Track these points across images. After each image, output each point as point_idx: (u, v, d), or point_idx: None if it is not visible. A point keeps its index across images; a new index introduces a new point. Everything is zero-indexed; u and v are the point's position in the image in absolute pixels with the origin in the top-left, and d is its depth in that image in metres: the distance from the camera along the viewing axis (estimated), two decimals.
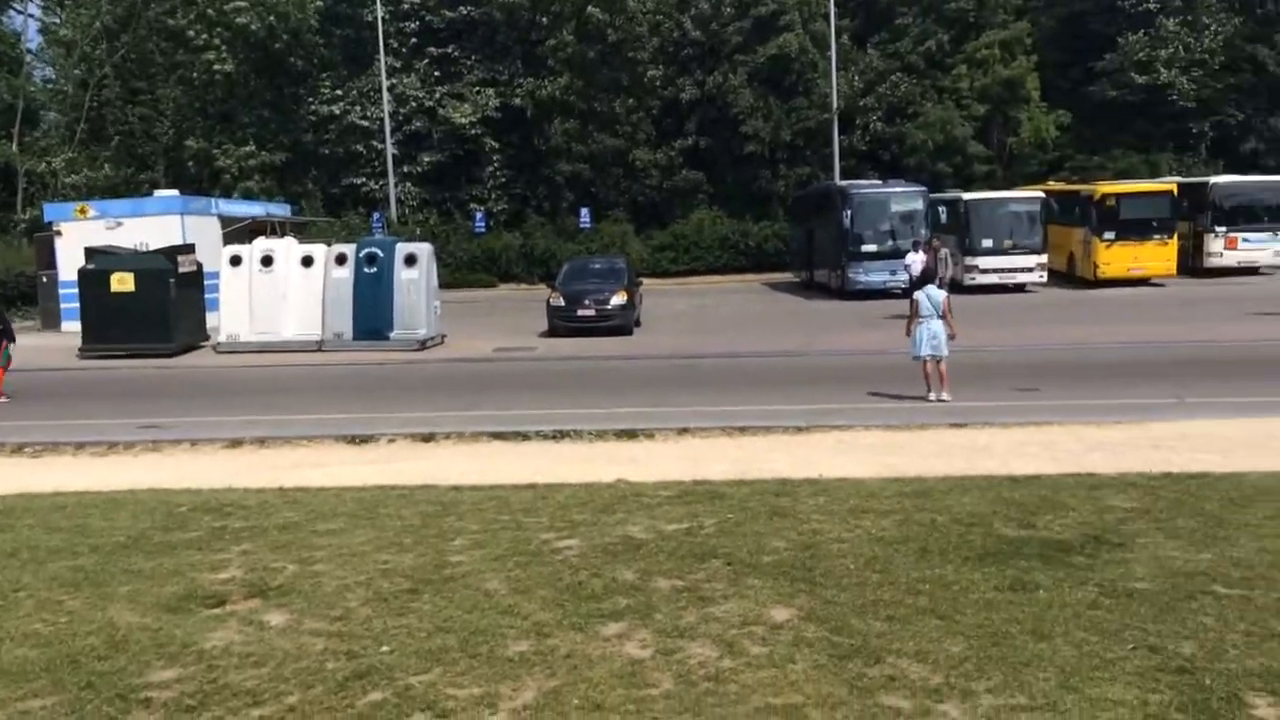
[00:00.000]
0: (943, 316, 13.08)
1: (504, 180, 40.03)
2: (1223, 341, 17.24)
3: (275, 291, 20.46)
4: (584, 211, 38.82)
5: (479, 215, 38.55)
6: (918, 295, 13.42)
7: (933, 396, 12.98)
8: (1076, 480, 8.49)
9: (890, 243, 28.27)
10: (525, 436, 11.36)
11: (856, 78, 40.05)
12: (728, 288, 35.03)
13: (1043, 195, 30.91)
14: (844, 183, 32.77)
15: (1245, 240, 30.52)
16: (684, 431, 11.31)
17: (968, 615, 5.53)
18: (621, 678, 4.96)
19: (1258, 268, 30.63)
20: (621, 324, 22.16)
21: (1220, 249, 30.64)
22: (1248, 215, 30.76)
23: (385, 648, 5.39)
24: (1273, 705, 4.37)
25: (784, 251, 37.82)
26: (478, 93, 38.52)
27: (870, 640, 5.26)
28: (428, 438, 11.45)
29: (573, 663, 5.16)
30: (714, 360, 18.28)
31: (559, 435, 11.29)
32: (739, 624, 5.58)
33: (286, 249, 21.09)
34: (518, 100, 38.86)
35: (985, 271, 29.10)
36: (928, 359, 13.08)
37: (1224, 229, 30.55)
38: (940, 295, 13.30)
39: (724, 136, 40.03)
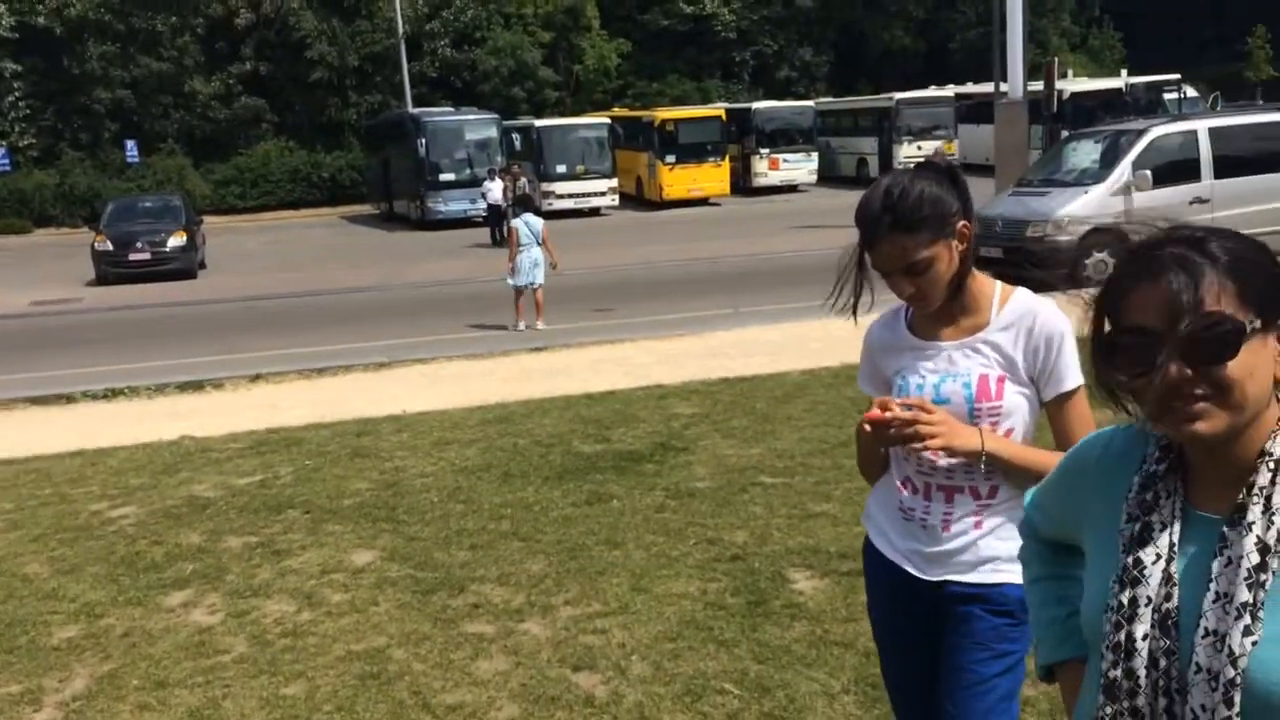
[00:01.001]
0: (542, 244, 13.21)
1: (28, 111, 35.30)
2: (769, 254, 19.05)
3: None
4: (130, 144, 35.24)
5: (1, 151, 33.80)
6: (515, 223, 13.42)
7: (524, 325, 13.16)
8: (646, 392, 8.99)
9: (468, 171, 28.31)
10: (70, 399, 10.17)
11: (422, 2, 39.29)
12: (302, 223, 33.51)
13: (609, 121, 32.27)
14: (417, 110, 32.23)
15: (785, 161, 33.77)
16: (257, 378, 10.66)
17: (548, 534, 5.68)
18: (188, 649, 4.59)
19: (796, 185, 34.10)
20: (183, 267, 20.53)
21: (765, 169, 33.71)
22: (786, 138, 34.03)
23: None
24: (809, 578, 4.88)
25: (360, 183, 36.75)
26: None
27: (454, 571, 5.25)
28: None
29: (131, 641, 4.70)
30: (289, 300, 17.42)
31: (111, 394, 10.22)
32: (318, 574, 5.35)
33: None
34: (41, 20, 34.24)
35: (561, 197, 30.00)
36: (526, 288, 13.17)
37: (767, 151, 33.60)
38: (539, 223, 13.32)
39: (287, 63, 37.84)
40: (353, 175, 37.05)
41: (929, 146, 33.20)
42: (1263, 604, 1.23)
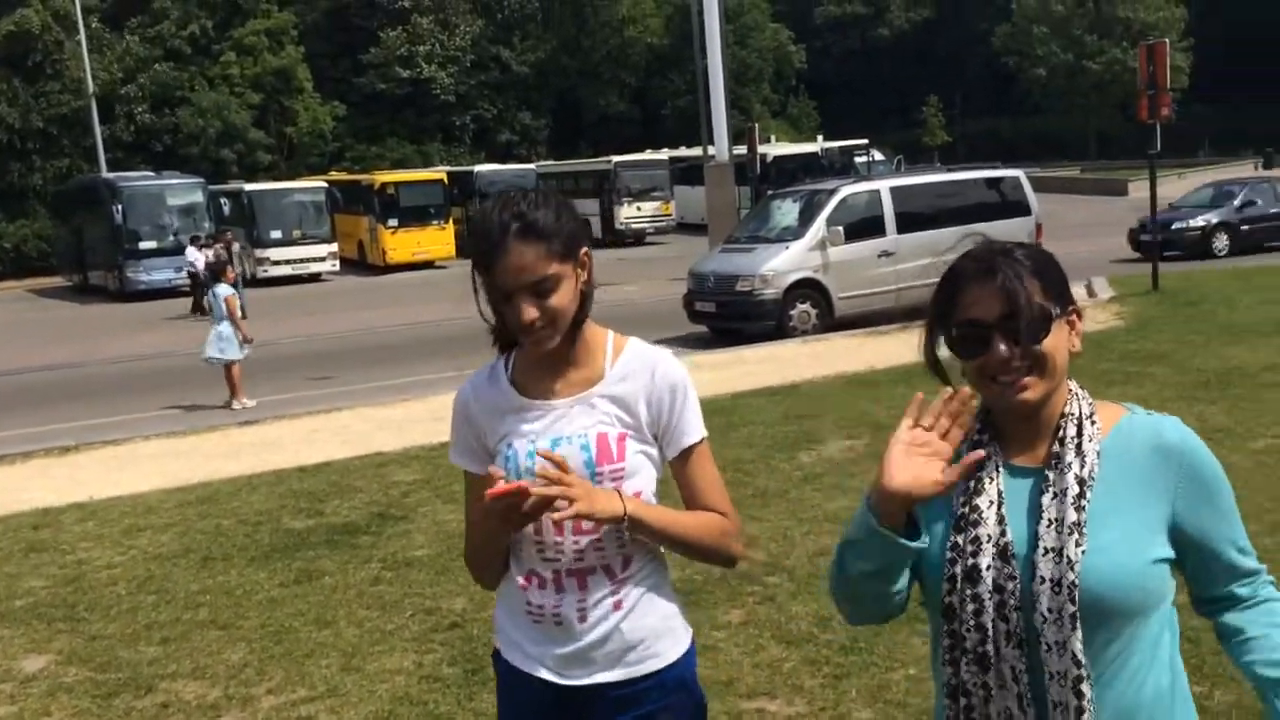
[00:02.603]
0: (229, 317, 12.30)
1: None
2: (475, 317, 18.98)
3: None
4: None
5: None
6: (209, 296, 12.58)
7: (236, 404, 12.26)
8: (365, 461, 8.65)
9: (171, 238, 26.71)
10: None
11: (115, 64, 37.00)
12: None
13: (326, 185, 31.43)
14: (112, 174, 30.16)
15: None
16: None
17: (251, 618, 5.29)
18: None
19: None
20: None
21: None
22: None
23: None
24: None
25: (50, 254, 33.88)
26: None
27: (141, 670, 4.78)
28: None
29: None
30: None
31: None
32: None
33: None
34: None
35: (277, 263, 28.84)
36: (218, 362, 12.28)
37: None
38: (224, 293, 12.47)
39: None
40: (40, 245, 34.12)
41: (648, 207, 34.44)
42: (1085, 523, 1.56)
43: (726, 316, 14.75)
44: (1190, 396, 8.45)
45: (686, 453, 2.07)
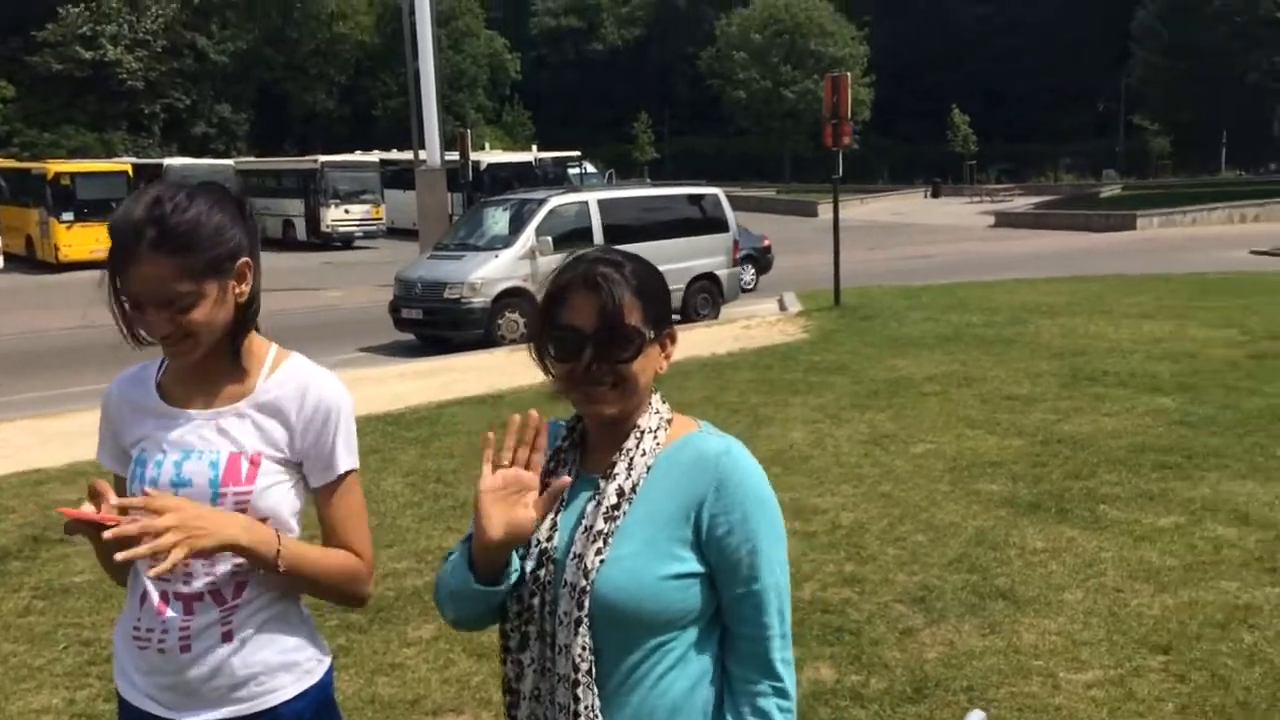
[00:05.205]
0: None
1: None
2: None
3: None
4: None
5: None
6: None
7: None
8: (22, 478, 7.83)
9: None
10: None
11: None
12: None
13: None
14: None
15: None
16: None
17: None
18: None
19: None
20: None
21: None
22: None
23: None
24: None
25: None
26: None
27: None
28: None
29: None
30: None
31: None
32: None
33: None
34: None
35: None
36: None
37: None
38: None
39: None
40: None
41: (357, 210, 33.44)
42: (614, 533, 1.60)
43: (434, 324, 14.54)
44: (863, 405, 9.13)
45: (333, 484, 1.93)
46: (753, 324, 14.81)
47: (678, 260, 15.82)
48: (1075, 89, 58.26)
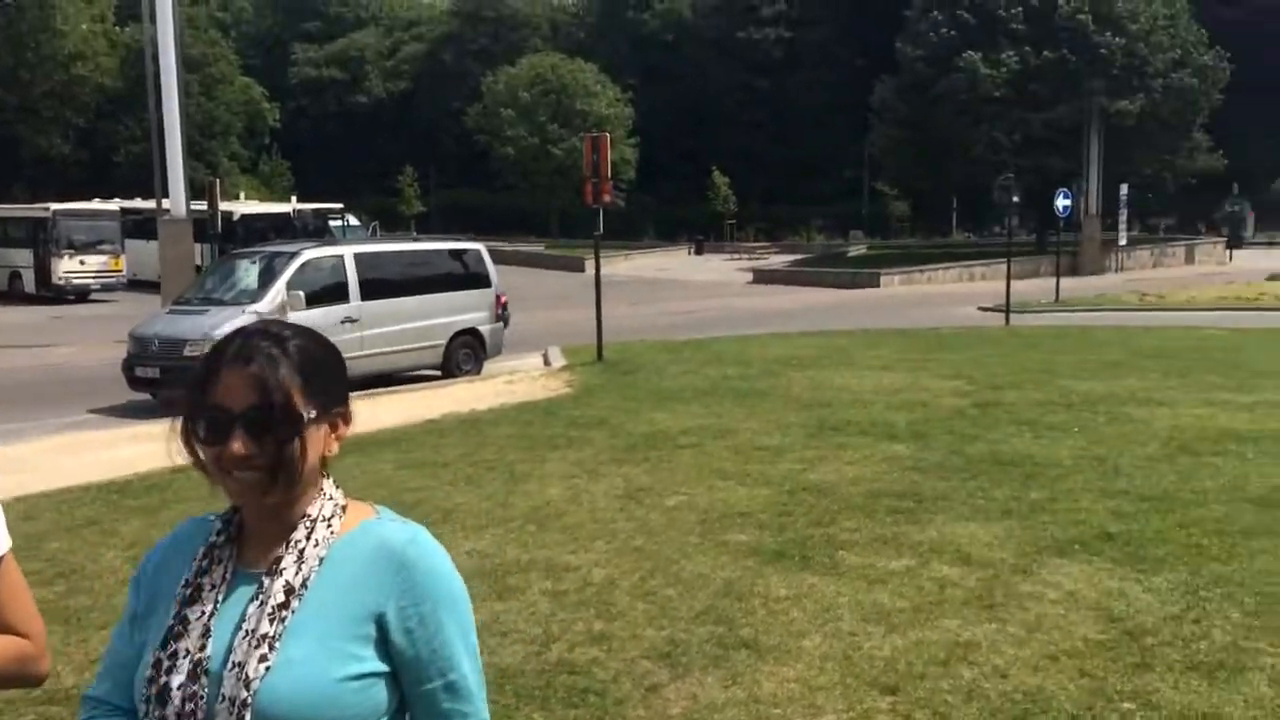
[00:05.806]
0: None
1: None
2: None
3: None
4: None
5: None
6: None
7: None
8: None
9: None
10: None
11: None
12: None
13: None
14: None
15: None
16: None
17: None
18: None
19: None
20: None
21: None
22: None
23: None
24: None
25: None
26: None
27: None
28: None
29: None
30: None
31: None
32: None
33: None
34: None
35: None
36: None
37: None
38: None
39: None
40: None
41: (94, 261, 31.21)
42: (281, 636, 1.45)
43: (170, 384, 13.63)
44: (621, 459, 9.19)
45: None
46: (515, 379, 14.72)
47: (439, 316, 15.57)
48: (824, 156, 61.90)
